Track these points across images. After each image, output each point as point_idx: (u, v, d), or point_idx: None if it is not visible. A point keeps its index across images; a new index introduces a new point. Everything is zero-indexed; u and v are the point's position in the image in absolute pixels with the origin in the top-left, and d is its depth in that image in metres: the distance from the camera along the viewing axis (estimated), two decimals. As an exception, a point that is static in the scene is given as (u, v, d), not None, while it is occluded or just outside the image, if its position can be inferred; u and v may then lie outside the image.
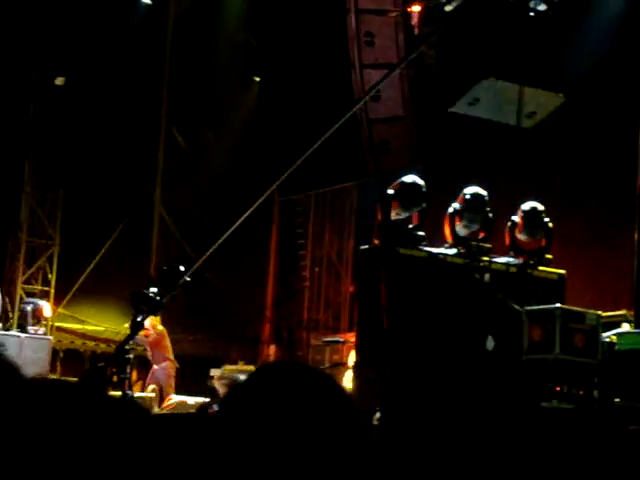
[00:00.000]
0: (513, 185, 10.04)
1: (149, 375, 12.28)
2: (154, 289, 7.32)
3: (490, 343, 9.01)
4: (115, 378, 11.87)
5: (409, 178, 9.44)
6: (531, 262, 9.67)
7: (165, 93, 16.34)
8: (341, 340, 11.64)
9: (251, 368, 13.84)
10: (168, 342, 12.27)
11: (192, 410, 9.60)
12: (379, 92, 10.13)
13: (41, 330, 14.15)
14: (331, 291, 15.47)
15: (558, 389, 8.42)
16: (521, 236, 9.72)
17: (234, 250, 13.44)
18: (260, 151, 14.36)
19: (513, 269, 9.55)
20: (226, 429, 1.28)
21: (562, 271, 9.80)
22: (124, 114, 15.36)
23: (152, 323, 11.96)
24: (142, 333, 11.90)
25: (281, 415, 1.25)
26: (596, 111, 11.40)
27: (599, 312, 8.85)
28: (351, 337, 10.88)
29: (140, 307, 7.00)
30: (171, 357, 12.19)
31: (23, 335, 13.59)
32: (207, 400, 7.61)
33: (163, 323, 12.52)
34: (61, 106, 15.29)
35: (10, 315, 14.67)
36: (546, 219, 9.75)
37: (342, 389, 1.40)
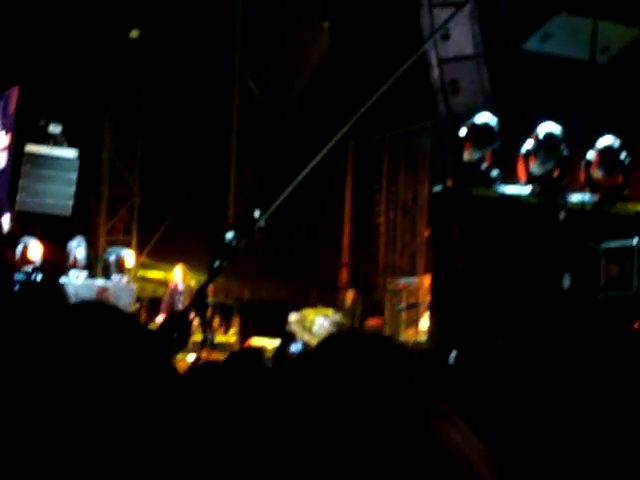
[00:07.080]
0: (589, 122, 9.87)
1: None
2: (230, 235, 7.49)
3: (566, 281, 8.96)
4: (196, 322, 12.15)
5: (481, 117, 9.37)
6: (607, 199, 9.54)
7: (238, 42, 16.41)
8: (414, 281, 11.67)
9: (327, 311, 13.99)
10: None
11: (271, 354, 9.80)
12: (448, 31, 10.02)
13: (125, 279, 14.51)
14: (407, 235, 15.47)
15: (637, 326, 8.35)
16: (597, 174, 9.58)
17: (310, 196, 13.52)
18: (333, 95, 14.35)
19: (589, 207, 9.43)
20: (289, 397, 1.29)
21: (640, 207, 9.64)
22: (199, 64, 15.49)
23: None
24: None
25: (345, 387, 1.26)
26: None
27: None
28: (427, 279, 10.91)
29: (217, 253, 7.18)
30: None
31: (109, 283, 13.92)
32: (284, 343, 7.77)
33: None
34: (137, 59, 15.48)
35: (94, 265, 15.04)
36: (623, 155, 9.58)
37: (407, 354, 1.38)
